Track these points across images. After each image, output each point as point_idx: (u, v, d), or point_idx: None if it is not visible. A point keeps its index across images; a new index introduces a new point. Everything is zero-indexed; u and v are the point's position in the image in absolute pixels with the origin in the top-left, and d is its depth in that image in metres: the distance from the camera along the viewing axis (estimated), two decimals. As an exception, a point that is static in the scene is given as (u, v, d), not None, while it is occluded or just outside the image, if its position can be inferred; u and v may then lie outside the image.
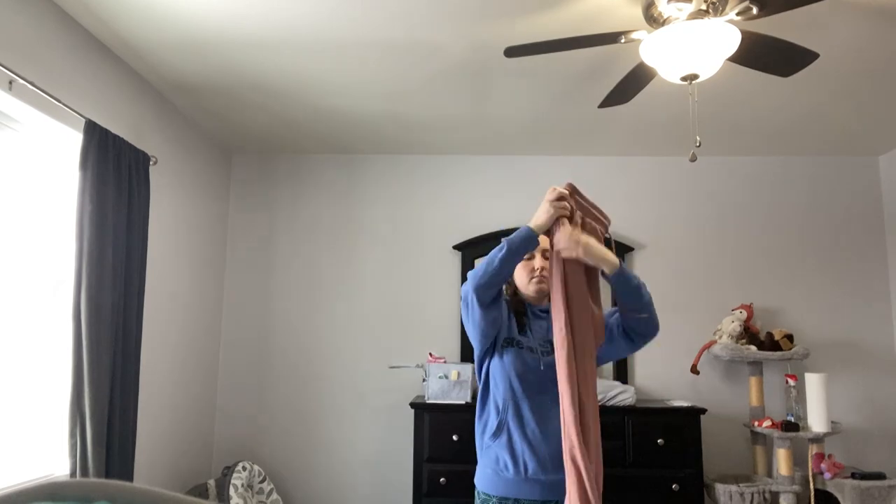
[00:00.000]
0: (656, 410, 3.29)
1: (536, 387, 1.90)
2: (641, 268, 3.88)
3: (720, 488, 3.21)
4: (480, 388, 1.99)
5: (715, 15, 1.99)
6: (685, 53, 1.96)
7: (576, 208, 1.80)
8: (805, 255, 3.86)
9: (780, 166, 3.95)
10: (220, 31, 2.51)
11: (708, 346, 3.66)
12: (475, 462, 1.97)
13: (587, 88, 2.99)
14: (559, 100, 3.14)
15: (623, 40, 2.12)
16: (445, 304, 3.88)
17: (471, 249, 3.88)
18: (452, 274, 3.91)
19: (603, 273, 1.83)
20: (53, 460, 2.45)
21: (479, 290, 1.81)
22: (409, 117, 3.41)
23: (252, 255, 3.99)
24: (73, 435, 2.31)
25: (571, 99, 3.12)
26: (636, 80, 2.37)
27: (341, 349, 3.88)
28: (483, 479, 1.92)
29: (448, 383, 3.31)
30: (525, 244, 1.76)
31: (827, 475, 3.14)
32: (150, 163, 2.82)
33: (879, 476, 3.11)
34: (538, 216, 1.75)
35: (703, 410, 3.26)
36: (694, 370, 3.65)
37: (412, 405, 3.27)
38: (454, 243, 3.91)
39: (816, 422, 3.19)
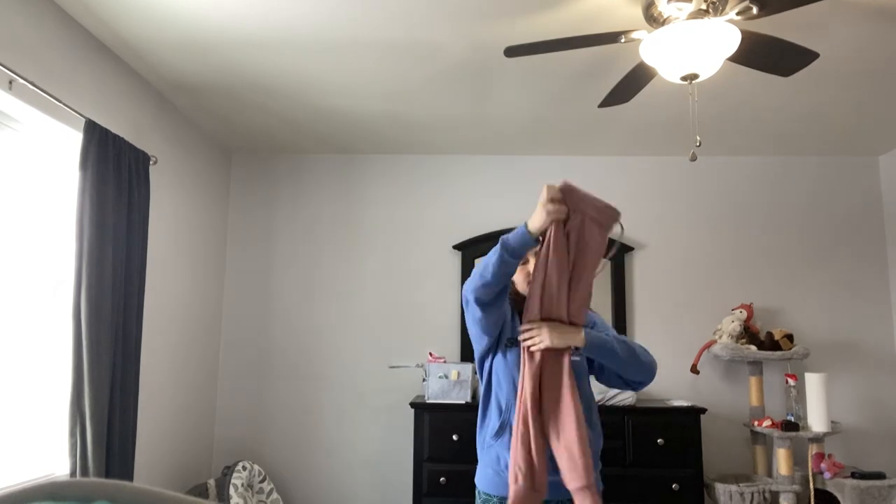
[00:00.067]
0: (656, 410, 3.29)
1: None
2: (641, 268, 3.88)
3: (720, 488, 3.21)
4: (483, 387, 1.98)
5: (715, 15, 1.99)
6: (685, 53, 1.96)
7: (572, 209, 1.76)
8: (805, 254, 3.86)
9: (780, 166, 3.95)
10: (220, 31, 2.51)
11: (708, 346, 3.66)
12: (475, 462, 1.97)
13: (587, 88, 2.99)
14: (559, 100, 3.14)
15: (623, 40, 2.12)
16: (445, 304, 3.88)
17: (471, 249, 3.88)
18: (452, 274, 3.91)
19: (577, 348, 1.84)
20: (53, 460, 2.45)
21: (478, 293, 1.81)
22: (409, 117, 3.41)
23: (252, 255, 3.99)
24: (73, 435, 2.31)
25: (571, 99, 3.12)
26: (636, 79, 2.37)
27: (341, 349, 3.88)
28: (484, 478, 1.91)
29: (448, 383, 3.31)
30: (521, 248, 1.75)
31: (827, 475, 3.14)
32: (150, 162, 2.82)
33: (879, 476, 3.11)
34: (534, 219, 1.73)
35: (703, 410, 3.26)
36: (694, 370, 3.65)
37: (412, 405, 3.27)
38: (454, 243, 3.91)
39: (816, 421, 3.19)
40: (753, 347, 3.48)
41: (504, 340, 1.94)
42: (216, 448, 3.83)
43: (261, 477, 3.50)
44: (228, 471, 3.30)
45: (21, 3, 2.17)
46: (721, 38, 1.94)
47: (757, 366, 3.54)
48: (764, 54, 2.19)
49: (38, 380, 2.41)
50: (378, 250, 3.96)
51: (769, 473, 3.44)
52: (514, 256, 1.75)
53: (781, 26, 2.34)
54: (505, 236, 1.76)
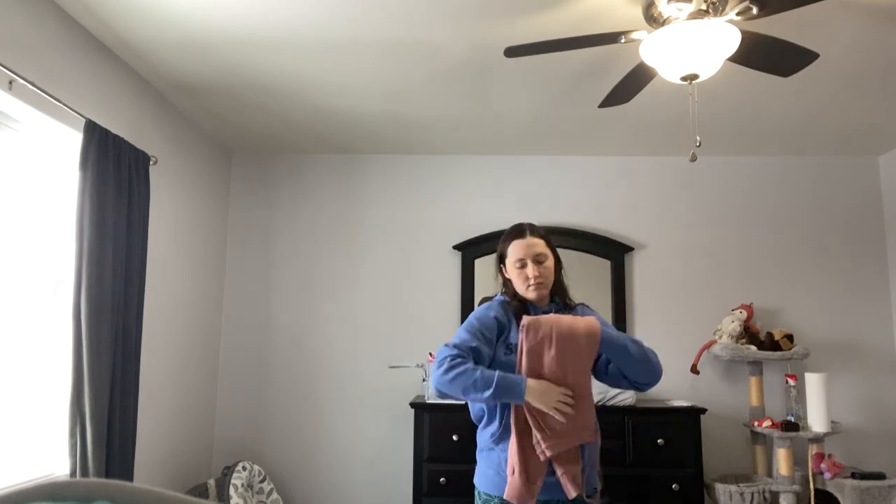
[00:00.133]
0: (656, 410, 3.29)
1: None
2: (641, 268, 3.88)
3: (720, 488, 3.21)
4: None
5: (715, 15, 1.99)
6: (685, 53, 1.96)
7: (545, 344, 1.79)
8: (805, 254, 3.86)
9: (780, 166, 3.95)
10: (220, 31, 2.51)
11: (708, 346, 3.66)
12: (475, 462, 1.97)
13: (587, 88, 2.99)
14: (559, 100, 3.14)
15: (623, 40, 2.12)
16: (445, 304, 3.88)
17: (471, 249, 3.88)
18: (452, 274, 3.91)
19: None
20: (53, 460, 2.45)
21: (443, 392, 1.83)
22: (409, 117, 3.41)
23: (252, 255, 3.99)
24: (73, 435, 2.31)
25: (571, 99, 3.12)
26: (636, 80, 2.37)
27: (341, 349, 3.88)
28: (485, 479, 1.90)
29: (448, 383, 3.30)
30: (505, 400, 1.79)
31: (827, 475, 3.14)
32: (150, 162, 2.82)
33: (879, 476, 3.11)
34: (535, 398, 1.75)
35: (703, 410, 3.26)
36: (694, 370, 3.65)
37: (412, 405, 3.27)
38: (454, 243, 3.91)
39: (816, 422, 3.19)
40: (753, 347, 3.48)
41: (503, 348, 1.91)
42: (216, 448, 3.83)
43: (261, 477, 3.50)
44: (228, 471, 3.30)
45: (21, 3, 2.17)
46: (721, 38, 1.94)
47: (757, 366, 3.54)
48: (764, 54, 2.19)
49: (38, 380, 2.41)
50: (378, 250, 3.97)
51: (769, 473, 3.44)
52: (493, 401, 1.79)
53: (781, 26, 2.34)
54: (502, 383, 1.75)
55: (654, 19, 2.11)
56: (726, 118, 3.36)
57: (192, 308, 3.52)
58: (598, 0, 2.24)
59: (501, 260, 2.04)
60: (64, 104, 2.30)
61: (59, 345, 2.49)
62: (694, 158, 2.27)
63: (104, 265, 2.40)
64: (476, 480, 1.94)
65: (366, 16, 2.38)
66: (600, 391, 3.20)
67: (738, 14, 1.97)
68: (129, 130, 2.85)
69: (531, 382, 1.76)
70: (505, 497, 1.78)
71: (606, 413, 3.14)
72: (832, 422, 3.30)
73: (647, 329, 3.82)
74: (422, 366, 3.62)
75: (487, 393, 1.74)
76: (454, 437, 3.18)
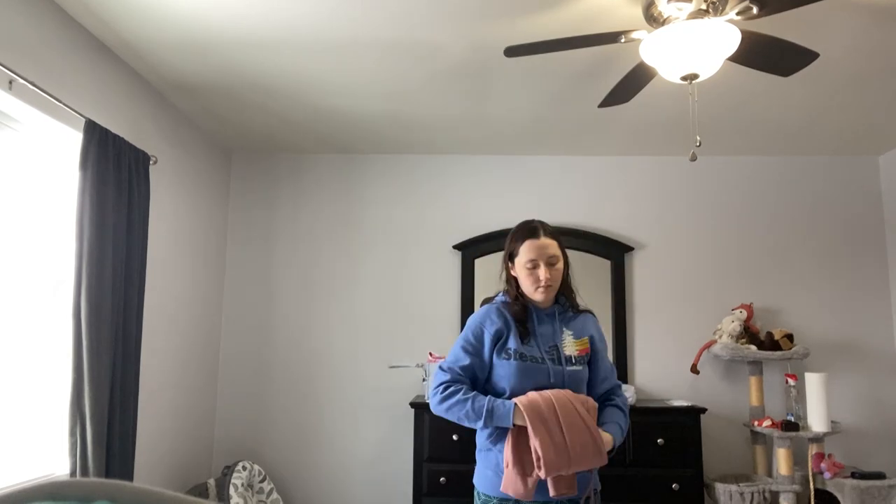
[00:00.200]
0: (656, 410, 3.29)
1: None
2: (641, 267, 3.88)
3: (720, 488, 3.21)
4: (480, 390, 1.95)
5: (715, 14, 1.99)
6: (685, 53, 1.96)
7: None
8: (805, 254, 3.86)
9: (780, 166, 3.95)
10: (220, 31, 2.51)
11: (708, 346, 3.66)
12: (475, 462, 1.97)
13: (587, 88, 2.99)
14: (559, 100, 3.14)
15: (623, 40, 2.12)
16: (445, 304, 3.88)
17: (471, 249, 3.88)
18: (452, 274, 3.91)
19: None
20: (53, 460, 2.46)
21: (439, 413, 1.88)
22: (409, 117, 3.41)
23: (252, 255, 3.99)
24: (73, 434, 2.31)
25: (571, 99, 3.12)
26: (636, 79, 2.37)
27: (341, 348, 3.88)
28: (484, 480, 1.90)
29: (448, 383, 3.30)
30: (498, 425, 1.81)
31: (827, 475, 3.14)
32: (150, 162, 2.82)
33: (879, 476, 3.11)
34: (524, 420, 1.75)
35: (703, 410, 3.26)
36: (694, 370, 3.65)
37: (412, 405, 3.27)
38: (454, 243, 3.91)
39: (816, 421, 3.19)
40: (753, 347, 3.48)
41: (502, 353, 1.89)
42: (216, 448, 3.83)
43: (261, 477, 3.50)
44: (228, 471, 3.30)
45: (21, 3, 2.17)
46: (721, 37, 1.94)
47: (757, 366, 3.54)
48: (764, 54, 2.19)
49: (38, 380, 2.41)
50: (378, 250, 3.97)
51: (769, 473, 3.44)
52: (486, 426, 1.82)
53: (781, 26, 2.34)
54: (493, 413, 1.78)
55: (654, 19, 2.11)
56: (726, 118, 3.36)
57: (192, 308, 3.52)
58: (598, 0, 2.24)
59: (510, 258, 1.98)
60: (64, 104, 2.30)
61: (59, 345, 2.49)
62: (694, 158, 2.27)
63: (104, 265, 2.40)
64: (475, 481, 1.94)
65: (366, 16, 2.38)
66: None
67: (738, 14, 1.97)
68: (129, 130, 2.86)
69: (520, 406, 1.76)
70: (501, 490, 1.78)
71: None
72: (832, 421, 3.30)
73: (647, 329, 3.82)
74: (422, 366, 3.62)
75: (479, 423, 1.81)
76: (454, 437, 3.18)
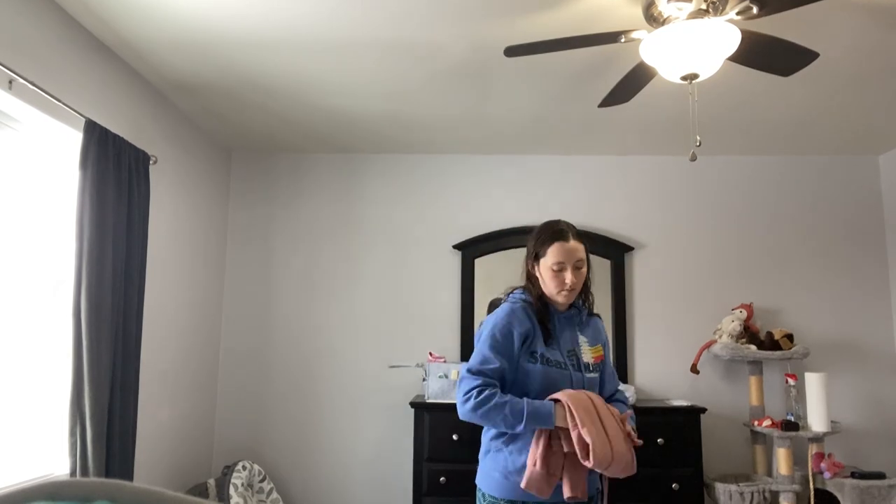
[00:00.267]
0: (656, 410, 3.29)
1: None
2: (641, 267, 3.88)
3: (720, 488, 3.21)
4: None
5: (715, 14, 1.99)
6: (685, 53, 1.96)
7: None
8: (805, 254, 3.86)
9: (780, 166, 3.95)
10: (221, 30, 2.51)
11: (708, 346, 3.66)
12: (475, 461, 1.96)
13: (587, 88, 2.99)
14: (559, 99, 3.13)
15: (623, 40, 2.12)
16: (445, 303, 3.88)
17: (471, 249, 3.88)
18: (452, 274, 3.91)
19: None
20: (53, 460, 2.46)
21: (469, 420, 1.83)
22: (409, 117, 3.41)
23: (252, 255, 3.99)
24: (73, 434, 2.31)
25: (571, 99, 3.12)
26: (636, 79, 2.37)
27: (341, 348, 3.88)
28: (489, 482, 1.86)
29: (448, 382, 3.31)
30: (538, 426, 1.77)
31: (827, 474, 3.14)
32: (150, 162, 2.82)
33: (879, 475, 3.11)
34: (573, 409, 1.74)
35: (703, 410, 3.26)
36: (694, 369, 3.65)
37: (412, 404, 3.27)
38: (454, 243, 3.91)
39: (816, 421, 3.19)
40: (753, 347, 3.48)
41: (526, 355, 1.87)
42: (216, 448, 3.83)
43: (261, 476, 3.50)
44: (228, 470, 3.30)
45: (21, 2, 2.17)
46: (721, 37, 1.94)
47: (757, 365, 3.54)
48: (764, 54, 2.19)
49: (38, 379, 2.41)
50: (378, 250, 3.97)
51: (769, 473, 3.44)
52: (525, 429, 1.78)
53: (781, 26, 2.34)
54: (533, 415, 1.75)
55: (654, 19, 2.11)
56: (726, 118, 3.36)
57: (193, 308, 3.52)
58: (598, 0, 2.24)
59: (535, 257, 1.95)
60: (64, 104, 2.30)
61: (59, 345, 2.49)
62: (694, 158, 2.27)
63: (104, 265, 2.40)
64: (479, 482, 1.90)
65: (366, 16, 2.38)
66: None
67: (738, 13, 1.97)
68: (129, 130, 2.85)
69: (563, 399, 1.75)
70: (523, 487, 1.75)
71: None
72: (832, 421, 3.31)
73: (647, 328, 3.82)
74: (422, 365, 3.62)
75: (519, 427, 1.75)
76: (454, 437, 3.18)
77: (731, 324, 3.56)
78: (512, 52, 2.17)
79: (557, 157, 4.00)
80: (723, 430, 3.70)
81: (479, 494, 1.90)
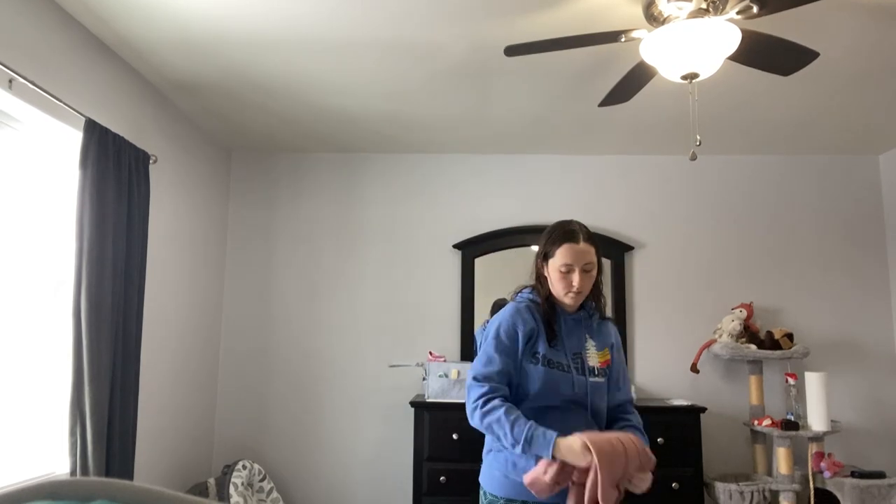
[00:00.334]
0: (656, 409, 3.29)
1: (561, 403, 1.83)
2: (641, 267, 3.88)
3: (720, 487, 3.21)
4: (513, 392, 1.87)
5: (715, 14, 1.99)
6: (685, 52, 1.96)
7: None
8: (805, 253, 3.86)
9: (780, 165, 3.95)
10: (221, 30, 2.51)
11: (708, 345, 3.66)
12: (475, 460, 1.96)
13: (587, 87, 2.99)
14: (559, 99, 3.13)
15: (623, 39, 2.11)
16: (445, 303, 3.88)
17: (471, 248, 3.88)
18: (452, 273, 3.91)
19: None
20: (53, 459, 2.46)
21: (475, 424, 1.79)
22: (410, 117, 3.41)
23: (252, 254, 3.99)
24: (73, 434, 2.31)
25: (571, 98, 3.12)
26: (636, 79, 2.37)
27: (341, 348, 3.89)
28: (492, 480, 1.86)
29: (448, 382, 3.31)
30: (536, 453, 1.69)
31: (827, 474, 3.14)
32: (151, 161, 2.82)
33: (879, 475, 3.11)
34: (569, 455, 1.63)
35: (703, 409, 3.26)
36: (694, 369, 3.65)
37: (412, 404, 3.27)
38: (454, 242, 3.91)
39: (816, 420, 3.19)
40: (753, 346, 3.49)
41: (529, 355, 1.84)
42: (216, 447, 3.83)
43: (261, 476, 3.50)
44: (228, 470, 3.30)
45: (21, 2, 2.17)
46: (721, 37, 1.94)
47: (757, 365, 3.54)
48: (764, 53, 2.19)
49: (38, 379, 2.41)
50: (378, 250, 3.97)
51: (769, 472, 3.44)
52: (522, 451, 1.70)
53: (781, 25, 2.34)
54: (532, 441, 1.66)
55: (654, 18, 2.11)
56: (726, 118, 3.36)
57: (193, 307, 3.52)
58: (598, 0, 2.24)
59: (545, 257, 1.91)
60: (64, 103, 2.29)
61: (59, 344, 2.49)
62: (694, 157, 2.27)
63: (104, 264, 2.40)
64: (482, 480, 1.90)
65: (366, 16, 2.38)
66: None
67: (738, 13, 1.97)
68: (129, 129, 2.85)
69: (562, 441, 1.65)
70: (526, 484, 1.71)
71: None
72: (832, 421, 3.31)
73: (647, 329, 3.82)
74: (422, 365, 3.62)
75: (517, 449, 1.69)
76: (454, 436, 3.18)
77: (731, 323, 3.56)
78: (512, 51, 2.17)
79: (557, 156, 4.00)
80: (723, 429, 3.70)
81: (481, 492, 1.91)
